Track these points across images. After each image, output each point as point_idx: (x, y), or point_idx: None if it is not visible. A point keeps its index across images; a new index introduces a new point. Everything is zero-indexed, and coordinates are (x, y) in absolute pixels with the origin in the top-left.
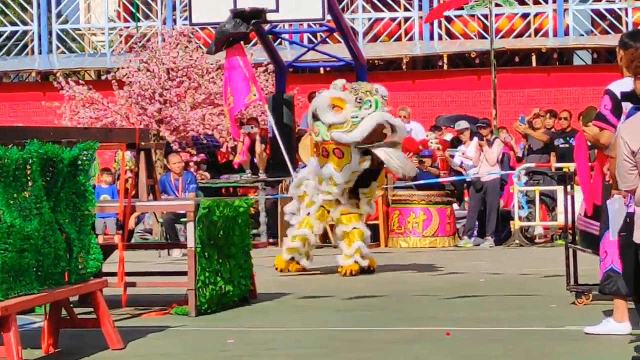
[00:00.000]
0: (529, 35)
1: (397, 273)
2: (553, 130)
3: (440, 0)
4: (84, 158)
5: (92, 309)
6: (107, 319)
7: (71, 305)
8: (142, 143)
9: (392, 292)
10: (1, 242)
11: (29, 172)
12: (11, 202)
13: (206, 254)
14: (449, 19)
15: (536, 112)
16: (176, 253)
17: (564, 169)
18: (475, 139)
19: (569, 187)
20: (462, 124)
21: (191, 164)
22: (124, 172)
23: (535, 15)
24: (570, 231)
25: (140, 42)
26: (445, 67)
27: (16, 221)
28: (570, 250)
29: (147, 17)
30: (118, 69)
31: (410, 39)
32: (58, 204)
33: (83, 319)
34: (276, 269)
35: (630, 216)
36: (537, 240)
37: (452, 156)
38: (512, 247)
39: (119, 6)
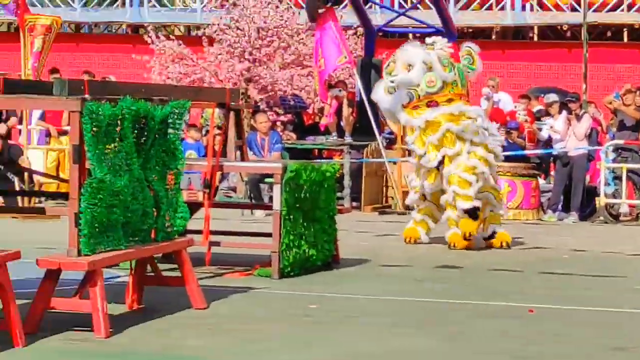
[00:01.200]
0: (622, 10)
1: (481, 243)
2: None
3: None
4: (175, 116)
5: (174, 266)
6: (191, 278)
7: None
8: (233, 103)
9: (474, 264)
10: (91, 197)
11: (120, 128)
12: (102, 157)
13: (291, 217)
14: None
15: (628, 87)
16: (259, 213)
17: None
18: (564, 112)
19: None
20: (552, 97)
21: (278, 123)
22: (212, 131)
23: None
24: None
25: None
26: (535, 38)
27: (106, 177)
28: None
29: None
30: (208, 25)
31: (502, 8)
32: (148, 161)
33: (168, 276)
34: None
35: None
36: (622, 218)
37: (540, 129)
38: (596, 224)
39: None
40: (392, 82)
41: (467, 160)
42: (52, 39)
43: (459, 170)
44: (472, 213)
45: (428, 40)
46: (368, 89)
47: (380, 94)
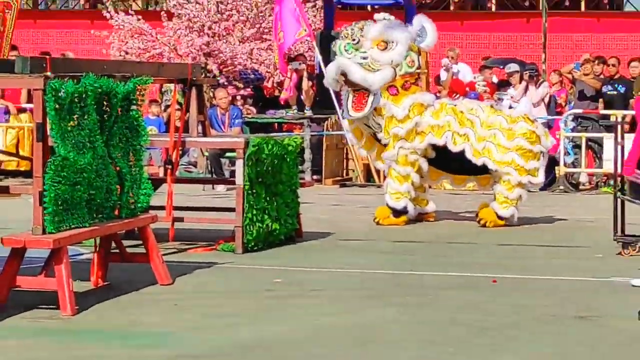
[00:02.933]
0: None
1: (441, 216)
2: (601, 76)
3: None
4: (138, 93)
5: (139, 242)
6: (156, 254)
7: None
8: (194, 79)
9: (437, 236)
10: (55, 174)
11: (83, 105)
12: (65, 135)
13: (254, 191)
14: None
15: (586, 57)
16: (220, 187)
17: (611, 116)
18: (523, 82)
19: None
20: (512, 67)
21: (238, 97)
22: (174, 106)
23: None
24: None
25: None
26: (494, 8)
27: (70, 154)
28: (619, 200)
29: None
30: None
31: None
32: (111, 138)
33: (132, 253)
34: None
35: None
36: (581, 187)
37: (501, 99)
38: (556, 193)
39: None
40: (364, 58)
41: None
42: (14, 16)
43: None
44: (396, 212)
45: (379, 16)
46: (327, 61)
47: (361, 72)
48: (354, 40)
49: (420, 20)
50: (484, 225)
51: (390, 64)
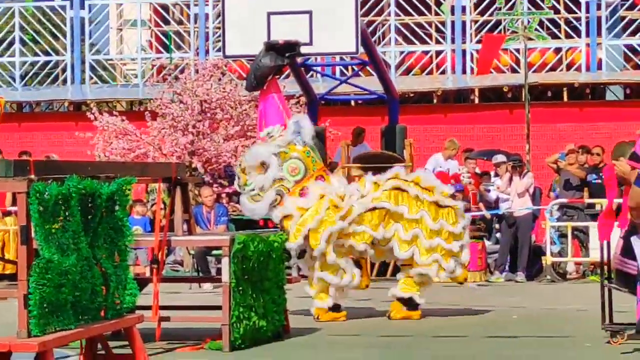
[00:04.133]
0: (562, 70)
1: (429, 309)
2: (586, 165)
3: (469, 33)
4: (122, 193)
5: (125, 343)
6: (142, 355)
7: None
8: (179, 177)
9: (423, 329)
10: (39, 277)
11: (67, 207)
12: (50, 237)
13: (240, 288)
14: None
15: (570, 147)
16: (207, 286)
17: (597, 205)
18: (507, 173)
19: None
20: (499, 158)
21: (223, 195)
22: (159, 205)
23: (568, 49)
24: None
25: (172, 73)
26: (477, 100)
27: (54, 256)
28: (606, 289)
29: (179, 47)
30: (151, 100)
31: (443, 72)
32: (96, 239)
33: (118, 354)
34: None
35: None
36: (569, 276)
37: (488, 190)
38: (543, 283)
39: (152, 36)
40: (252, 190)
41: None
42: None
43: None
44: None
45: (263, 133)
46: None
47: (250, 206)
48: (243, 172)
49: (295, 119)
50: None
51: (271, 186)
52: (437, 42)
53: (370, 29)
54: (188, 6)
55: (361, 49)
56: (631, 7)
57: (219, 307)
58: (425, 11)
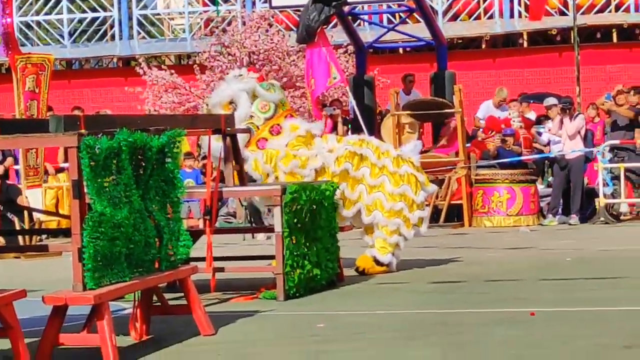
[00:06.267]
0: (610, 11)
1: (482, 253)
2: (637, 106)
3: None
4: (172, 145)
5: (180, 294)
6: (197, 305)
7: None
8: (228, 129)
9: (477, 273)
10: (93, 230)
11: (118, 161)
12: (101, 191)
13: (293, 238)
14: None
15: (619, 88)
16: (261, 236)
17: None
18: (558, 116)
19: None
20: (551, 101)
21: None
22: (210, 157)
23: None
24: None
25: (220, 26)
26: (525, 44)
27: (107, 210)
28: None
29: (226, 0)
30: (199, 53)
31: (490, 17)
32: (147, 191)
33: (174, 305)
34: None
35: None
36: (622, 217)
37: (540, 133)
38: (597, 225)
39: None
40: None
41: None
42: (48, 77)
43: None
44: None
45: (234, 73)
46: (361, 105)
47: (217, 145)
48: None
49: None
50: (362, 273)
51: (243, 123)
52: None
53: None
54: None
55: None
56: None
57: (272, 257)
58: None
